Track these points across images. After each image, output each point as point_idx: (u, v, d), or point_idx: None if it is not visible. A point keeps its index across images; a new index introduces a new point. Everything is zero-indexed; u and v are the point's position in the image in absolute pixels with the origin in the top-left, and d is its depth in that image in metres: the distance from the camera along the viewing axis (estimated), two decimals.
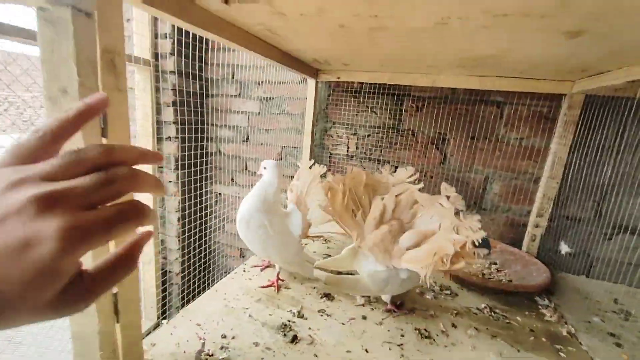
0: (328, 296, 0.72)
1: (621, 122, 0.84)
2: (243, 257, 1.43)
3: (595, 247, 0.93)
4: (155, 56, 1.15)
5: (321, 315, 0.65)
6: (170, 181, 1.29)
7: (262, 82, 1.23)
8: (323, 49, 0.77)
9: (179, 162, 1.26)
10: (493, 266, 0.90)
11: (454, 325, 0.65)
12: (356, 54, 0.77)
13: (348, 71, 1.01)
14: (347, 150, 1.15)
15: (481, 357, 0.57)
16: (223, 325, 0.60)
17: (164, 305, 1.34)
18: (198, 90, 1.28)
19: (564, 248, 0.74)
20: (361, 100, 1.10)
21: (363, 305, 0.70)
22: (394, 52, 0.71)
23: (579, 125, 0.85)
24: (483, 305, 0.72)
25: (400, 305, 0.70)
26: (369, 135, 1.12)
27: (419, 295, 0.76)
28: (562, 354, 0.59)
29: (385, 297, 0.69)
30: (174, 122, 1.22)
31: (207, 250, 1.46)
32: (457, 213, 0.58)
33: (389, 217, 0.64)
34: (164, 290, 1.40)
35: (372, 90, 1.07)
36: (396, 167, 0.82)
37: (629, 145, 0.84)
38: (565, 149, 0.86)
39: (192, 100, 1.25)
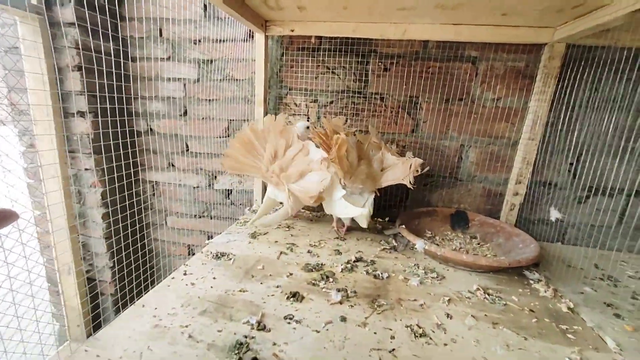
0: (296, 296, 0.57)
1: (597, 75, 0.78)
2: (193, 254, 1.21)
3: (569, 212, 0.89)
4: (46, 2, 0.86)
5: (289, 323, 0.50)
6: (86, 169, 1.02)
7: (199, 40, 1.00)
8: None
9: (96, 144, 1.00)
10: (474, 241, 0.82)
11: (448, 316, 0.54)
12: None
13: (304, 22, 0.84)
14: (308, 121, 0.99)
15: (488, 353, 0.47)
16: (150, 357, 0.42)
17: (96, 319, 1.08)
18: (113, 52, 1.00)
19: (555, 214, 0.68)
20: (320, 60, 0.93)
21: (340, 302, 0.56)
22: None
23: (559, 80, 0.78)
24: (475, 287, 0.62)
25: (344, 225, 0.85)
26: (331, 102, 0.96)
27: (403, 282, 0.64)
28: (570, 336, 0.51)
29: (346, 220, 0.84)
30: (81, 93, 0.95)
31: (145, 251, 1.22)
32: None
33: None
34: (94, 304, 1.15)
35: (332, 48, 0.91)
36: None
37: (605, 101, 0.79)
38: (546, 106, 0.79)
39: (106, 64, 0.97)
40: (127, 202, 1.12)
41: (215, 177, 1.11)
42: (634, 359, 0.47)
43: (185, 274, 0.62)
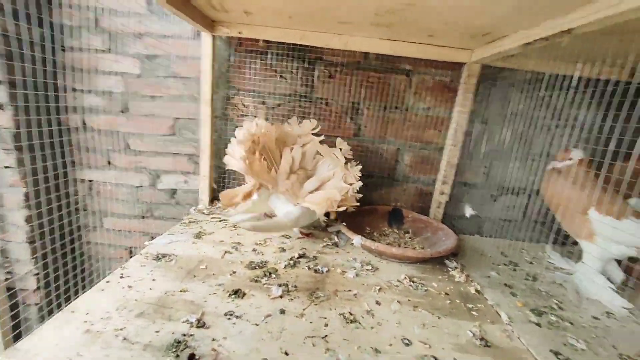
0: (238, 293, 0.59)
1: (506, 93, 0.92)
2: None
3: (484, 208, 1.03)
4: None
5: (229, 319, 0.53)
6: (5, 166, 0.93)
7: (142, 34, 0.96)
8: None
9: (19, 140, 0.91)
10: (406, 235, 0.92)
11: (378, 303, 0.61)
12: None
13: (252, 25, 0.86)
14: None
15: (406, 332, 0.54)
16: None
17: (16, 328, 0.98)
18: (42, 38, 0.92)
19: (468, 211, 0.80)
20: (269, 63, 0.96)
21: (281, 296, 0.60)
22: None
23: (475, 95, 0.91)
24: (403, 276, 0.70)
25: (309, 233, 0.86)
26: (279, 105, 0.99)
27: (340, 275, 0.69)
28: (474, 313, 0.61)
29: (295, 230, 0.83)
30: (1, 82, 0.86)
31: (75, 255, 1.13)
32: (347, 162, 0.80)
33: (296, 167, 0.77)
34: (14, 315, 1.04)
35: (280, 52, 0.94)
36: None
37: (511, 114, 0.94)
38: (465, 117, 0.91)
39: (32, 52, 0.89)
40: (56, 204, 1.03)
41: (159, 176, 1.07)
42: (518, 327, 0.58)
43: (121, 277, 0.61)
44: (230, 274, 0.65)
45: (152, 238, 1.14)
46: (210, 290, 0.60)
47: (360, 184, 0.76)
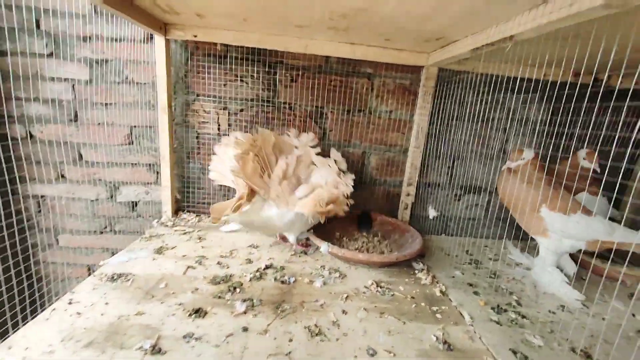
0: (199, 312, 0.57)
1: (463, 95, 0.95)
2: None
3: (449, 208, 1.06)
4: None
5: (187, 342, 0.50)
6: None
7: (89, 37, 0.90)
8: None
9: None
10: (375, 238, 0.92)
11: (344, 312, 0.61)
12: None
13: (207, 28, 0.82)
14: (219, 129, 0.97)
15: (372, 341, 0.54)
16: None
17: None
18: None
19: (432, 212, 0.81)
20: (229, 67, 0.92)
21: (245, 312, 0.58)
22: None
23: (435, 97, 0.92)
24: (370, 282, 0.71)
25: (307, 242, 0.86)
26: (242, 110, 0.96)
27: (308, 284, 0.68)
28: (438, 315, 0.62)
29: (292, 239, 0.82)
30: None
31: (23, 278, 1.05)
32: (340, 172, 0.83)
33: (290, 174, 0.77)
34: None
35: (240, 56, 0.91)
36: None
37: (469, 115, 0.97)
38: (426, 119, 0.93)
39: None
40: (5, 222, 0.94)
41: (118, 187, 1.01)
42: (480, 327, 0.59)
43: (70, 303, 0.56)
44: (192, 292, 0.63)
45: (114, 254, 1.08)
46: (169, 311, 0.57)
47: (350, 189, 0.78)
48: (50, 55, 0.91)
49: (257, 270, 0.72)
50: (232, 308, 0.59)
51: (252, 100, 0.95)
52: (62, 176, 1.00)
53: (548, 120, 1.00)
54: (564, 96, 0.81)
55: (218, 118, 0.96)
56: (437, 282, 0.74)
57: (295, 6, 0.59)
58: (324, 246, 0.75)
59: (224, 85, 0.94)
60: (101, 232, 1.05)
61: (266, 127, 0.98)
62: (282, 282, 0.69)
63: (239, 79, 0.93)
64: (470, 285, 0.74)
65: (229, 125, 0.97)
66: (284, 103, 0.96)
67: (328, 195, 0.74)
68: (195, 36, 0.82)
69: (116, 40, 0.90)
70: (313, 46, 0.84)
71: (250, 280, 0.68)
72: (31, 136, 0.96)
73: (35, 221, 1.03)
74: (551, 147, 0.90)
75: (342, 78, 0.95)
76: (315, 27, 0.73)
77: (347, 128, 0.99)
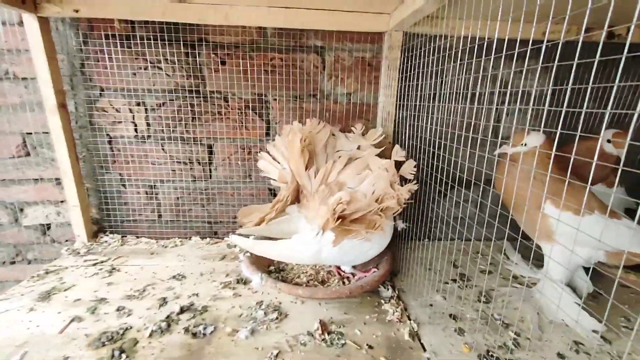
0: None
1: (440, 67, 0.74)
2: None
3: (432, 207, 0.87)
4: None
5: None
6: None
7: None
8: None
9: None
10: None
11: None
12: None
13: (92, 2, 0.62)
14: (136, 130, 0.78)
15: None
16: None
17: None
18: None
19: (400, 225, 0.63)
20: (135, 51, 0.73)
21: None
22: None
23: (403, 72, 0.72)
24: (316, 327, 0.52)
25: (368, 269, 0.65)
26: (162, 104, 0.77)
27: (229, 336, 0.50)
28: None
29: (347, 268, 0.65)
30: None
31: None
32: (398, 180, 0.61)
33: (333, 179, 0.60)
34: None
35: (149, 36, 0.71)
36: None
37: (449, 93, 0.77)
38: (392, 101, 0.73)
39: None
40: None
41: (22, 209, 0.82)
42: None
43: None
44: None
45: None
46: None
47: (395, 206, 0.58)
48: None
49: (167, 318, 0.54)
50: None
51: (173, 91, 0.76)
52: None
53: (550, 93, 0.80)
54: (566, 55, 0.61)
55: (133, 116, 0.77)
56: (408, 316, 0.56)
57: None
58: (255, 280, 0.56)
59: (134, 74, 0.74)
60: (12, 263, 0.87)
61: (196, 124, 0.78)
62: (194, 334, 0.50)
63: (150, 64, 0.74)
64: (453, 318, 0.56)
65: (148, 124, 0.78)
66: (215, 92, 0.77)
67: (355, 206, 0.53)
68: (77, 11, 0.62)
69: None
70: (234, 15, 0.64)
71: (150, 335, 0.50)
72: None
73: None
74: (556, 126, 0.71)
75: (284, 55, 0.75)
76: None
77: (296, 118, 0.79)
